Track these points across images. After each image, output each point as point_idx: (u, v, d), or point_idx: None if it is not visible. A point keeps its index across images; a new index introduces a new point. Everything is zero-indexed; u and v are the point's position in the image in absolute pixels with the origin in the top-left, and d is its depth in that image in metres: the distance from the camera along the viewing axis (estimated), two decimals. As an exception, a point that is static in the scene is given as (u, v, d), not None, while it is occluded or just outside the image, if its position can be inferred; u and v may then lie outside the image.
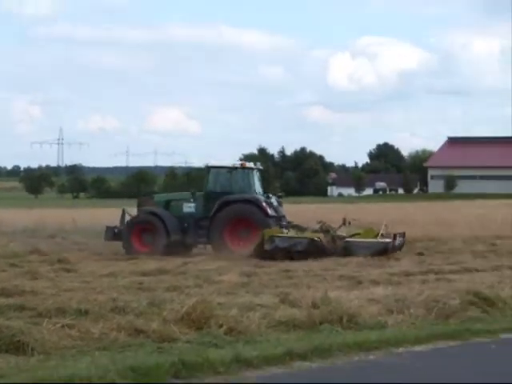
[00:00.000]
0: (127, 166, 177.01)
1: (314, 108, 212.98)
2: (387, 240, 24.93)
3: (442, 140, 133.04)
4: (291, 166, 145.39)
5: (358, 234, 25.98)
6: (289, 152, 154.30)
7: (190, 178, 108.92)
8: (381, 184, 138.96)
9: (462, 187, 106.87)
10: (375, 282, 17.84)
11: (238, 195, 26.53)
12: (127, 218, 27.43)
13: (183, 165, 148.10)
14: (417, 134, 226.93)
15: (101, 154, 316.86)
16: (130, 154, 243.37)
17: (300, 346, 10.34)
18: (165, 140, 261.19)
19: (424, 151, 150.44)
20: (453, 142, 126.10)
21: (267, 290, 15.97)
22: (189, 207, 26.73)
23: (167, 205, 27.20)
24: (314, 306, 12.53)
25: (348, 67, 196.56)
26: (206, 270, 20.21)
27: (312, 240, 24.54)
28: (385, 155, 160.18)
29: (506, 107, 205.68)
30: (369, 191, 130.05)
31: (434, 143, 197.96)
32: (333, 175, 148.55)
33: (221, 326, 11.10)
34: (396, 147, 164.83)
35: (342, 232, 26.17)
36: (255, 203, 26.11)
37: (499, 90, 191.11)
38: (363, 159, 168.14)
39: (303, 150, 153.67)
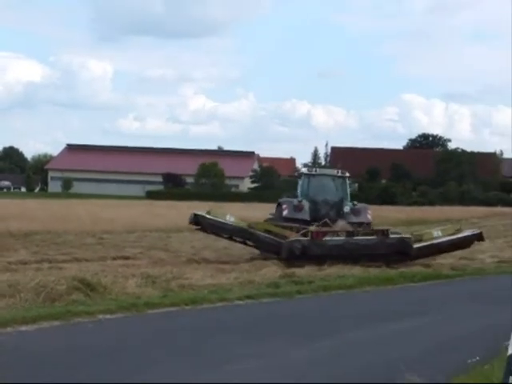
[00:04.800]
0: None
1: None
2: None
3: (62, 146, 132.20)
4: None
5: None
6: None
7: None
8: (5, 183, 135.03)
9: (79, 188, 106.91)
10: (-7, 270, 17.30)
11: (284, 197, 24.41)
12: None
13: None
14: (39, 140, 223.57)
15: None
16: None
17: None
18: None
19: (46, 155, 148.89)
20: (71, 148, 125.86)
21: None
22: None
23: None
24: None
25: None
26: None
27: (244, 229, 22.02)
28: (10, 157, 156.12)
29: (117, 121, 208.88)
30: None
31: (54, 148, 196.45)
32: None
33: None
34: (20, 150, 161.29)
35: None
36: (281, 204, 23.52)
37: (111, 105, 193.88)
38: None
39: None
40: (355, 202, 23.85)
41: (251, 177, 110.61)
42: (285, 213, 23.04)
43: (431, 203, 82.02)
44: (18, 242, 26.16)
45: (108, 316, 11.98)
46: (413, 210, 60.86)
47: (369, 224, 22.97)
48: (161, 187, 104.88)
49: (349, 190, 24.48)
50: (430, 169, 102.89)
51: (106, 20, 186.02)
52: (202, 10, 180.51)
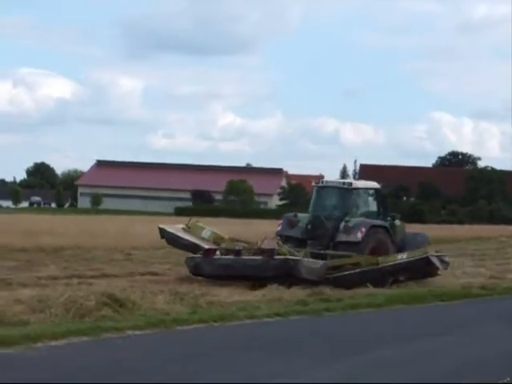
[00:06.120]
0: None
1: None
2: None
3: (92, 162, 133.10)
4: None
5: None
6: None
7: None
8: (36, 198, 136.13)
9: (109, 204, 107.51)
10: (24, 285, 17.42)
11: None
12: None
13: None
14: (69, 156, 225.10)
15: None
16: None
17: None
18: None
19: (75, 171, 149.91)
20: (101, 164, 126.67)
21: None
22: None
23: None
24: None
25: (9, 93, 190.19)
26: None
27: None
28: (41, 172, 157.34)
29: (146, 137, 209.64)
30: (25, 204, 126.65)
31: (84, 164, 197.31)
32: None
33: None
34: (51, 166, 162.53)
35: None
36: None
37: (141, 121, 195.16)
38: (21, 175, 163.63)
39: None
40: (347, 218, 21.31)
41: (279, 194, 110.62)
42: (278, 229, 21.85)
43: (460, 222, 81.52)
44: (47, 257, 26.29)
45: (137, 332, 12.02)
46: (441, 229, 60.45)
47: (356, 243, 20.71)
48: (189, 204, 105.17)
49: (359, 204, 22.30)
50: (460, 187, 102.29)
51: (136, 37, 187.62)
52: (231, 28, 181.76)
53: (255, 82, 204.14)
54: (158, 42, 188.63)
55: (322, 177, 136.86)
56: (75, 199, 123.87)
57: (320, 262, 19.57)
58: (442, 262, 20.07)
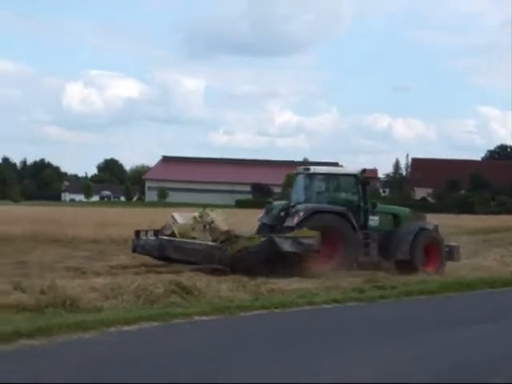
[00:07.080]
0: None
1: (50, 126, 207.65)
2: None
3: (158, 158, 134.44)
4: (30, 174, 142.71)
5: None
6: (29, 162, 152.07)
7: None
8: (106, 192, 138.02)
9: (174, 197, 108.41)
10: (97, 273, 17.62)
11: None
12: None
13: None
14: (137, 152, 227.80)
15: None
16: None
17: (26, 326, 10.03)
18: None
19: (143, 166, 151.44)
20: (167, 160, 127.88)
21: (1, 278, 15.28)
22: None
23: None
24: (42, 292, 12.21)
25: (81, 93, 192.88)
26: None
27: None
28: (111, 168, 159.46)
29: (208, 134, 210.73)
30: (96, 198, 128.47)
31: (151, 160, 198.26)
32: (66, 183, 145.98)
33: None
34: (120, 162, 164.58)
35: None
36: None
37: (203, 119, 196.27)
38: (92, 171, 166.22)
39: (42, 160, 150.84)
40: (292, 204, 20.29)
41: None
42: (259, 216, 21.38)
43: (509, 212, 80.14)
44: (118, 247, 26.57)
45: (203, 317, 12.11)
46: (489, 219, 59.53)
47: (292, 228, 19.15)
48: (249, 196, 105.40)
49: (322, 190, 20.90)
50: (509, 179, 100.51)
51: (198, 39, 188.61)
52: (286, 29, 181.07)
53: (310, 81, 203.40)
54: (218, 44, 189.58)
55: (375, 171, 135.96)
56: (143, 193, 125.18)
57: (205, 244, 18.65)
58: (299, 244, 17.74)
